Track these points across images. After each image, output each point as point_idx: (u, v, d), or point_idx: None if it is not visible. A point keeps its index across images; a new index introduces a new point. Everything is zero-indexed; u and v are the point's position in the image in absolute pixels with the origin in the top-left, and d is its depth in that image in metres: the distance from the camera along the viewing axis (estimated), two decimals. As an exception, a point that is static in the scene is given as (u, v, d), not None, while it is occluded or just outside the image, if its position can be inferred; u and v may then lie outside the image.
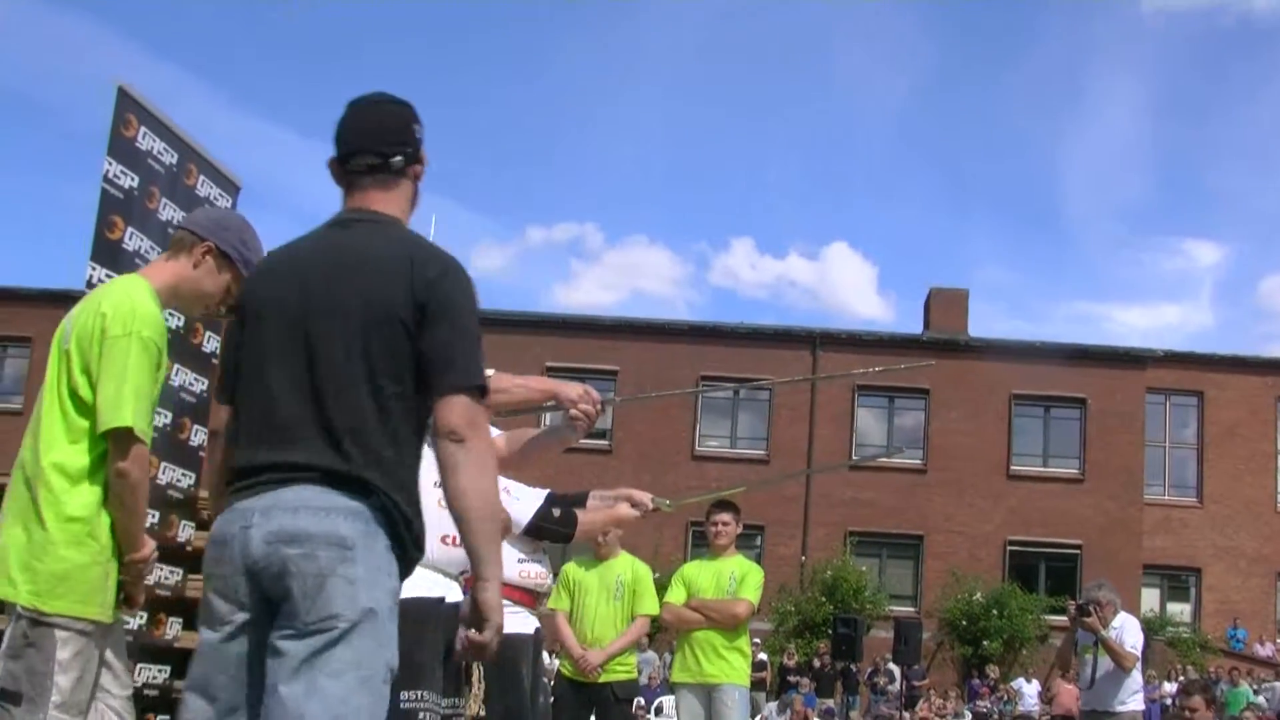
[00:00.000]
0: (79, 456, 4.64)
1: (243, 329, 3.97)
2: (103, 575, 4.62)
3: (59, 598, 4.55)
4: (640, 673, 30.90)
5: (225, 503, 3.81)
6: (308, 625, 3.55)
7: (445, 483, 3.78)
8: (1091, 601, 11.73)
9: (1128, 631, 11.63)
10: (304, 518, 3.62)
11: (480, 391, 3.83)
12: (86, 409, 4.63)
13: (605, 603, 10.02)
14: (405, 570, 3.86)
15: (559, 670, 9.49)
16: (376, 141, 4.06)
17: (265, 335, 3.88)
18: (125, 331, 4.62)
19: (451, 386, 3.77)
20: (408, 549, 3.83)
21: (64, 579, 4.55)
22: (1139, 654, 11.74)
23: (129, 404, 4.51)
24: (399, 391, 3.78)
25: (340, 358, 3.76)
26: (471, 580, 3.87)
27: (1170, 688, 31.03)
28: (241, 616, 3.66)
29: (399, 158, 4.07)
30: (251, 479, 3.74)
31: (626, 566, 10.28)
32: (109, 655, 4.77)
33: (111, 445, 4.59)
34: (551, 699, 9.80)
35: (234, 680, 3.65)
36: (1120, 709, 11.56)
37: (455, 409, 3.76)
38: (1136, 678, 11.74)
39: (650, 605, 10.25)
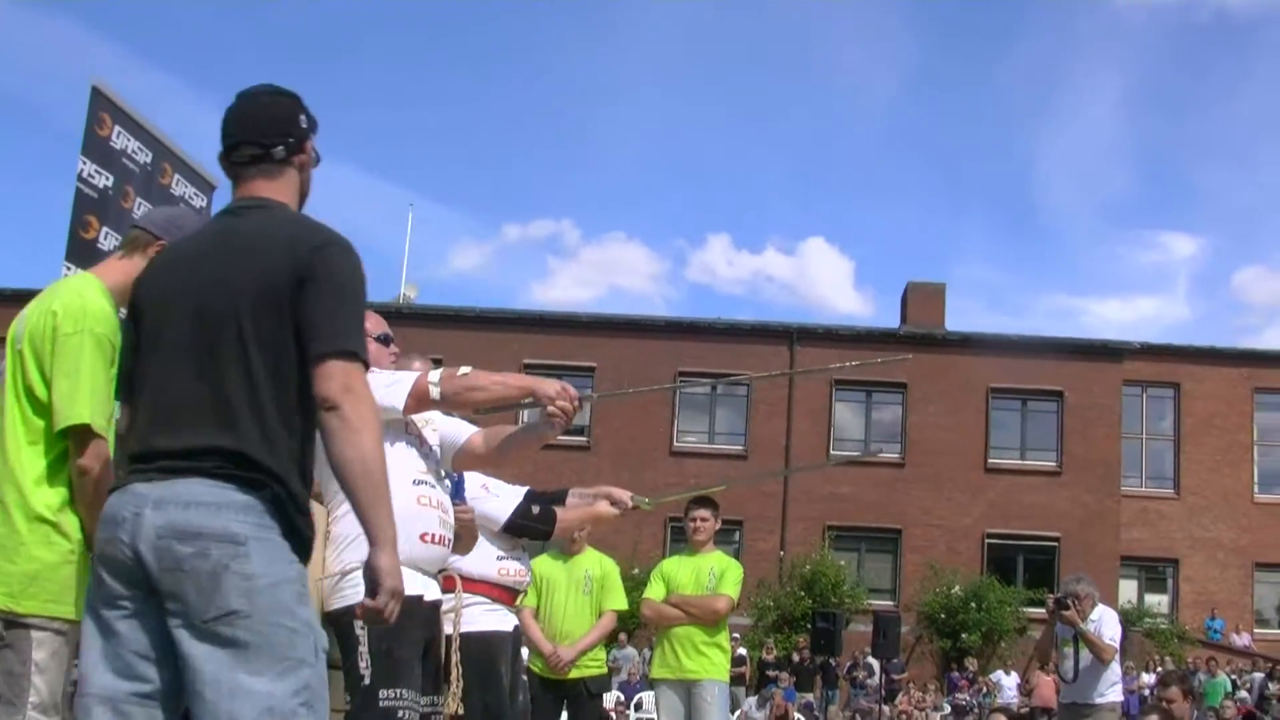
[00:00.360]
0: (39, 456, 4.62)
1: (138, 323, 3.99)
2: (74, 573, 4.60)
3: (32, 598, 4.54)
4: (620, 669, 31.04)
5: (119, 482, 3.81)
6: (206, 623, 3.56)
7: (328, 452, 3.77)
8: (1070, 595, 11.79)
9: (1106, 624, 11.70)
10: (196, 514, 3.61)
11: (353, 355, 3.79)
12: (43, 408, 4.62)
13: (574, 598, 10.01)
14: (302, 553, 3.84)
15: (529, 667, 9.48)
16: (258, 133, 4.08)
17: (158, 325, 3.90)
18: (77, 329, 4.61)
19: (321, 353, 3.75)
20: (301, 531, 3.82)
21: (35, 579, 4.54)
22: (1117, 646, 11.80)
23: (85, 401, 4.50)
24: (289, 369, 3.78)
25: (228, 340, 3.76)
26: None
27: (1149, 679, 31.13)
28: (136, 593, 3.66)
29: (280, 148, 4.08)
30: (146, 464, 3.74)
31: (594, 562, 10.29)
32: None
33: (71, 443, 4.58)
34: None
35: (146, 660, 3.66)
36: (1099, 700, 11.62)
37: (328, 375, 3.74)
38: (1115, 669, 11.81)
39: (618, 600, 10.26)
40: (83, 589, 4.63)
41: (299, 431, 3.84)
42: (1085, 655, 11.70)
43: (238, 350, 3.74)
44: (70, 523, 4.62)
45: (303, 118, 4.18)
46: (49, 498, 4.61)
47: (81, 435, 4.54)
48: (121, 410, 4.13)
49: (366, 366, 3.87)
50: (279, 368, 3.77)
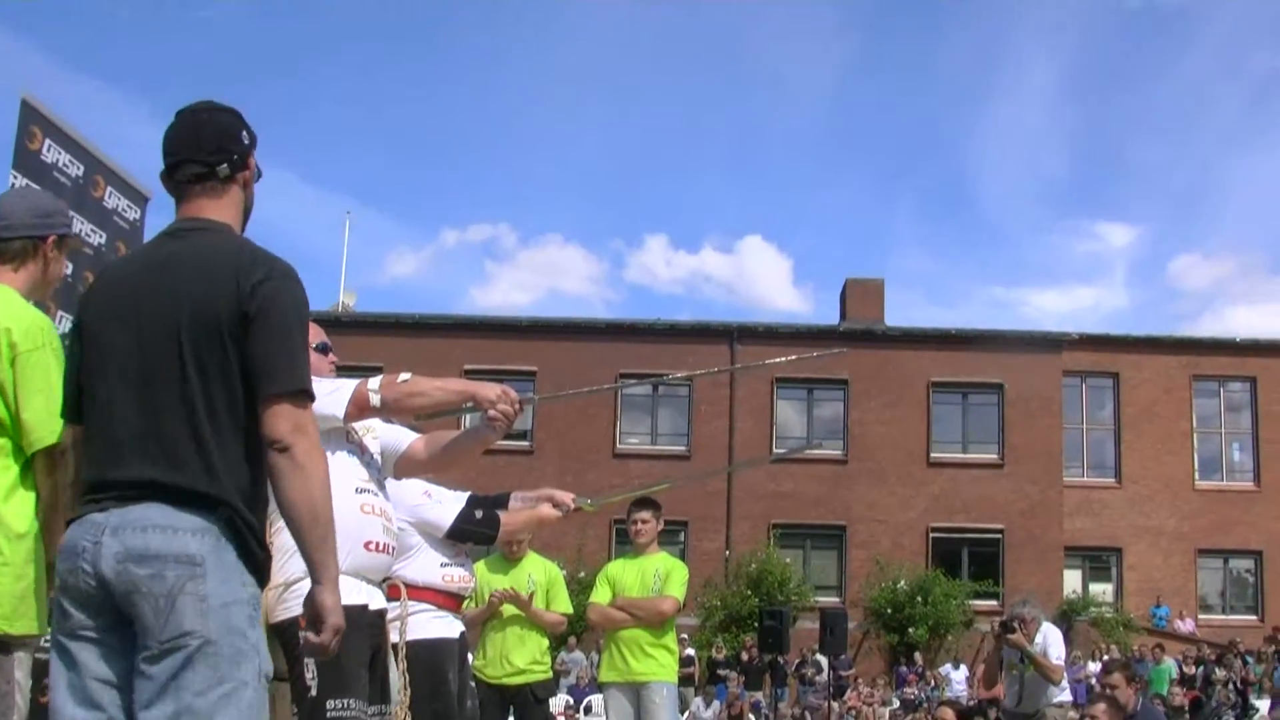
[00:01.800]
0: (6, 474, 4.57)
1: (82, 344, 3.96)
2: (45, 590, 4.58)
3: (22, 617, 4.52)
4: (569, 673, 31.04)
5: (76, 513, 3.80)
6: (162, 645, 3.58)
7: (275, 491, 3.81)
8: (1016, 618, 11.96)
9: (1051, 644, 11.92)
10: (152, 537, 3.64)
11: (302, 395, 3.84)
12: (3, 428, 4.56)
13: (531, 598, 10.02)
14: (258, 575, 3.88)
15: (475, 673, 9.47)
16: (200, 151, 4.06)
17: (103, 350, 3.89)
18: (37, 345, 4.57)
19: (273, 394, 3.78)
20: (255, 554, 3.85)
21: (24, 598, 4.52)
22: (1064, 664, 11.96)
23: (57, 419, 4.44)
24: (231, 399, 3.79)
25: (172, 369, 3.77)
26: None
27: (1094, 667, 31.29)
28: (100, 622, 3.67)
29: (224, 166, 4.07)
30: (101, 493, 3.74)
31: (538, 567, 10.30)
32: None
33: (43, 459, 4.54)
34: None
35: (109, 688, 3.66)
36: (1046, 706, 11.75)
37: (277, 416, 3.77)
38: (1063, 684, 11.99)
39: (564, 604, 10.29)
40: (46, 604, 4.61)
41: (244, 463, 3.84)
42: (1030, 679, 11.85)
43: (180, 383, 3.75)
44: (36, 536, 4.59)
45: (244, 134, 4.16)
46: (23, 514, 4.57)
47: (60, 453, 4.49)
48: (67, 429, 4.08)
49: (312, 399, 3.90)
50: (222, 401, 3.78)
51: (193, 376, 3.74)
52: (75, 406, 3.99)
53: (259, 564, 3.88)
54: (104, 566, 3.62)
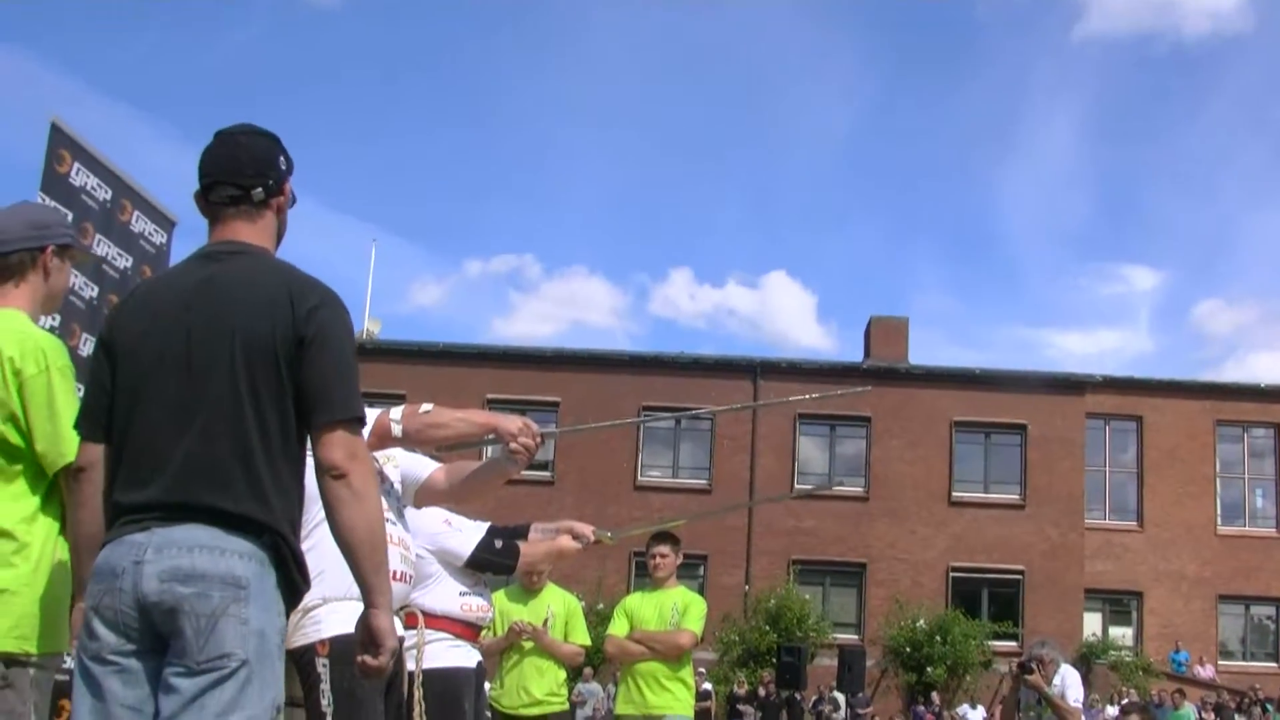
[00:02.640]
0: (21, 498, 4.58)
1: (112, 365, 3.93)
2: (66, 608, 4.59)
3: (41, 637, 4.51)
4: (585, 704, 30.97)
5: (112, 534, 3.77)
6: (199, 664, 3.56)
7: (330, 517, 3.82)
8: (1034, 659, 11.91)
9: (1069, 686, 11.84)
10: (199, 557, 3.62)
11: (358, 423, 3.86)
12: (17, 453, 4.56)
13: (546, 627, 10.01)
14: (292, 604, 3.90)
15: (491, 703, 9.45)
16: (237, 174, 4.05)
17: (142, 371, 3.86)
18: (41, 368, 4.55)
19: (329, 421, 3.79)
20: (296, 584, 3.87)
21: (43, 618, 4.51)
22: (1082, 707, 11.89)
23: (70, 439, 4.43)
24: (281, 425, 3.79)
25: (223, 393, 3.75)
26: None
27: (1113, 711, 31.16)
28: (130, 648, 3.64)
29: (259, 190, 4.06)
30: (141, 514, 3.72)
31: (557, 598, 10.27)
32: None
33: (63, 480, 4.53)
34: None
35: (136, 714, 3.63)
36: None
37: (335, 444, 3.78)
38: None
39: (582, 636, 10.26)
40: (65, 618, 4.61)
41: (291, 490, 3.85)
42: (1049, 715, 11.79)
43: (232, 407, 3.74)
44: (60, 557, 4.59)
45: (281, 159, 4.16)
46: (45, 536, 4.58)
47: (77, 471, 4.48)
48: (86, 447, 4.07)
49: (365, 425, 3.93)
50: (275, 427, 3.78)
51: (245, 401, 3.74)
52: (100, 426, 3.95)
53: (296, 593, 3.90)
54: (145, 586, 3.59)
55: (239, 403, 3.74)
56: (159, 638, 3.63)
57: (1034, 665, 11.76)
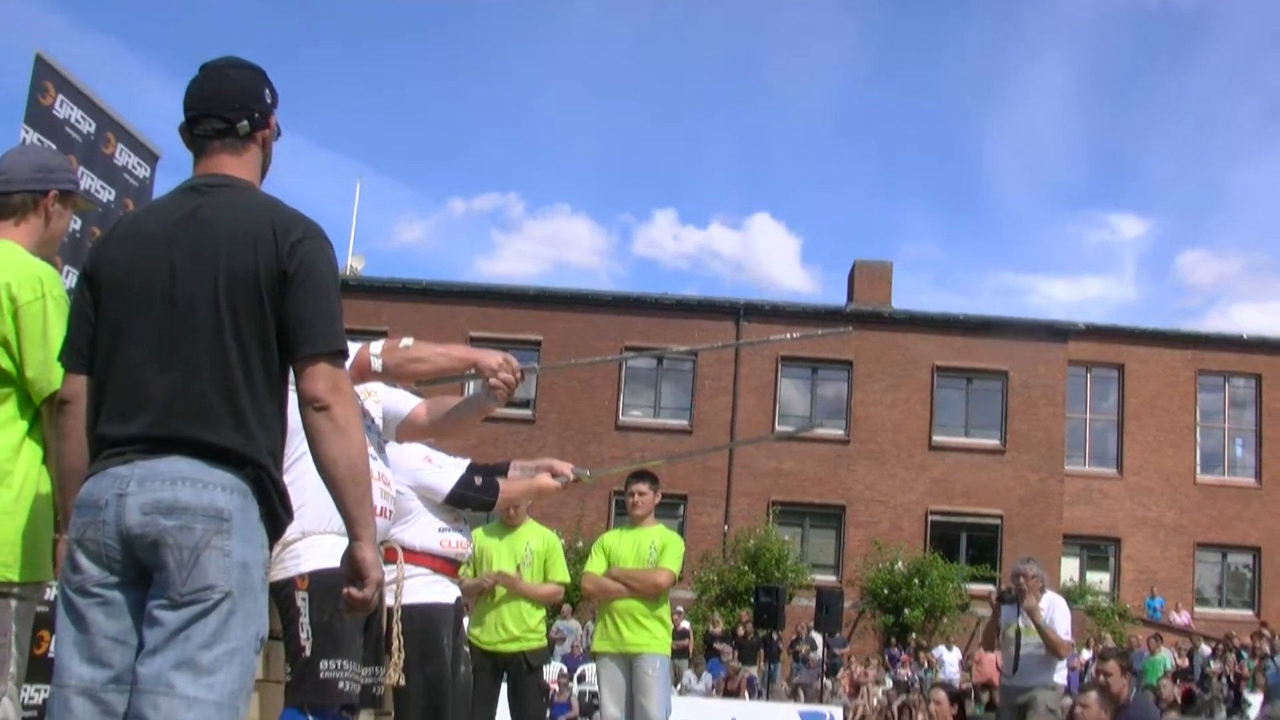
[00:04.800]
0: (7, 425, 4.60)
1: (96, 297, 3.94)
2: (49, 538, 4.62)
3: (24, 566, 4.53)
4: (563, 641, 31.09)
5: (95, 467, 3.79)
6: (182, 596, 3.58)
7: (313, 450, 3.84)
8: (1018, 574, 11.84)
9: (1059, 614, 11.74)
10: (182, 490, 3.64)
11: (341, 356, 3.87)
12: (6, 378, 4.58)
13: (514, 572, 10.04)
14: (275, 536, 3.92)
15: (470, 639, 9.49)
16: (222, 106, 4.06)
17: (126, 304, 3.86)
18: (37, 295, 4.58)
19: (312, 354, 3.81)
20: (279, 516, 3.89)
21: (26, 547, 4.54)
22: (1072, 640, 11.84)
23: (59, 367, 4.45)
24: (264, 358, 3.81)
25: (207, 326, 3.77)
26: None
27: (1088, 655, 31.32)
28: (113, 580, 3.67)
29: (245, 123, 4.07)
30: (123, 447, 3.73)
31: (536, 535, 10.32)
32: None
33: (47, 408, 4.55)
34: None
35: (120, 645, 3.66)
36: (1035, 682, 11.68)
37: (317, 376, 3.80)
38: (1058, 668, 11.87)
39: (561, 573, 10.31)
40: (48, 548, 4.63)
41: (273, 423, 3.87)
42: (1027, 642, 11.76)
43: (215, 340, 3.76)
44: (44, 486, 4.62)
45: (267, 92, 4.16)
46: (29, 465, 4.61)
47: (60, 402, 4.49)
48: (70, 378, 4.08)
49: (347, 359, 3.96)
50: (257, 360, 3.80)
51: (228, 334, 3.75)
52: (84, 357, 3.96)
53: (279, 526, 3.92)
54: (129, 519, 3.62)
55: (222, 336, 3.75)
56: (142, 570, 3.66)
57: (1019, 582, 11.74)
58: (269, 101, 4.17)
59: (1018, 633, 11.81)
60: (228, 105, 4.05)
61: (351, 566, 3.89)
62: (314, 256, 3.86)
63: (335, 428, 3.78)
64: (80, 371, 4.00)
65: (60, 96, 7.97)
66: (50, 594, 4.85)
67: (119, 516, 3.63)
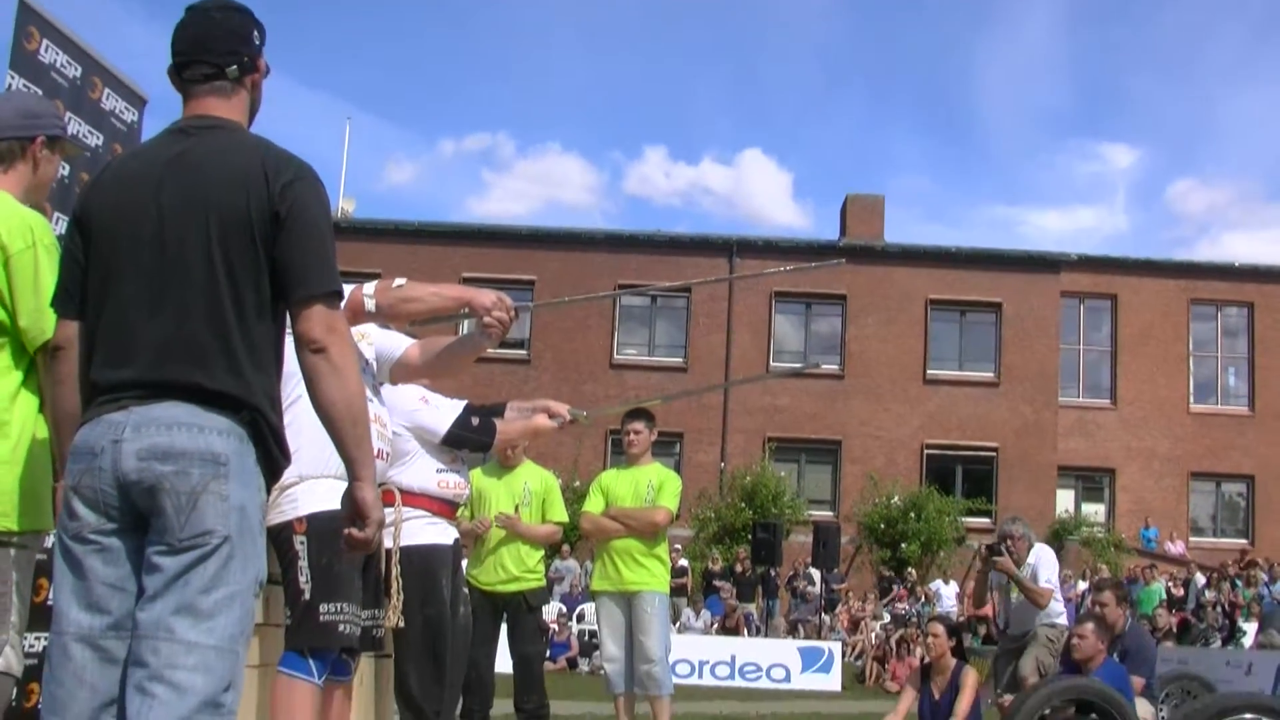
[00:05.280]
0: (4, 377, 4.59)
1: (86, 242, 3.93)
2: (48, 486, 4.61)
3: (23, 514, 4.53)
4: (562, 581, 31.18)
5: (89, 414, 3.79)
6: (181, 541, 3.59)
7: (311, 391, 3.85)
8: (1005, 537, 11.89)
9: (1042, 565, 11.82)
10: (178, 435, 3.64)
11: (335, 297, 3.86)
12: (1, 329, 4.57)
13: (512, 511, 10.06)
14: (272, 480, 3.94)
15: (469, 580, 9.51)
16: (210, 51, 4.04)
17: (116, 248, 3.86)
18: (27, 244, 4.57)
19: (306, 296, 3.80)
20: (275, 459, 3.91)
21: (25, 495, 4.54)
22: (1054, 587, 11.90)
23: (52, 315, 4.44)
24: (257, 301, 3.81)
25: (199, 269, 3.76)
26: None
27: (1085, 586, 31.42)
28: (111, 526, 3.68)
29: (234, 67, 4.05)
30: (117, 393, 3.73)
31: (534, 475, 10.34)
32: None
33: (42, 357, 4.53)
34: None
35: (119, 592, 3.67)
36: (1040, 625, 11.73)
37: (313, 318, 3.79)
38: (1053, 604, 11.91)
39: (559, 513, 10.33)
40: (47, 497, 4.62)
41: (268, 366, 3.88)
42: (1016, 596, 11.83)
43: (207, 283, 3.75)
44: (40, 435, 4.61)
45: (255, 34, 4.14)
46: (26, 414, 4.61)
47: (54, 349, 4.47)
48: (62, 324, 4.08)
49: (342, 300, 3.94)
50: (251, 302, 3.79)
51: (221, 277, 3.75)
52: (75, 303, 3.97)
53: (276, 469, 3.93)
54: (125, 465, 3.62)
55: (214, 279, 3.74)
56: (139, 516, 3.66)
57: (1004, 544, 11.80)
58: (257, 43, 4.14)
59: (1007, 587, 11.89)
60: (216, 50, 4.03)
61: (352, 507, 3.91)
62: (306, 197, 3.84)
63: (332, 369, 3.78)
64: (71, 317, 4.00)
65: (45, 41, 7.91)
66: (49, 542, 4.84)
67: (115, 463, 3.63)
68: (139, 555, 3.65)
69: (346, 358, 3.84)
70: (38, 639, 6.25)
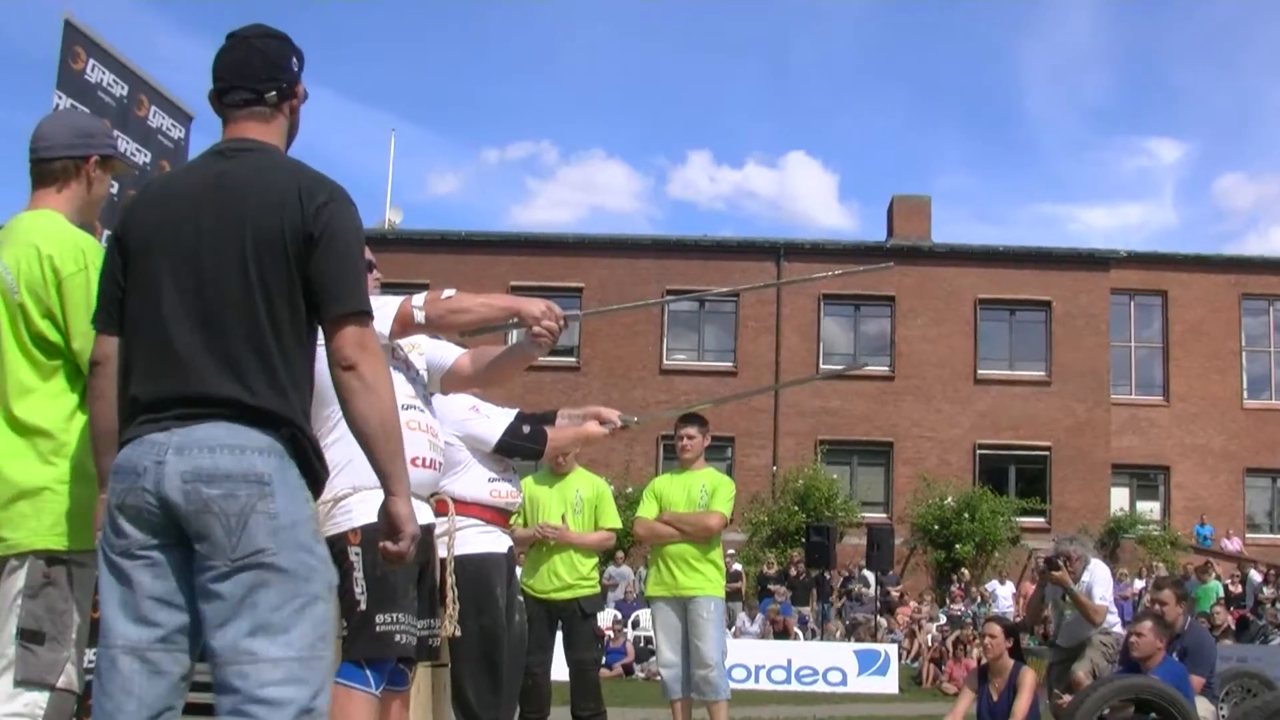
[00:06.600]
0: (59, 396, 4.63)
1: (125, 259, 4.00)
2: (95, 504, 4.62)
3: (78, 534, 4.59)
4: (617, 587, 31.18)
5: (131, 432, 3.84)
6: (234, 563, 3.64)
7: (345, 409, 3.93)
8: (1061, 555, 11.86)
9: (1097, 582, 11.80)
10: (221, 457, 3.70)
11: (366, 316, 3.93)
12: (55, 350, 4.63)
13: (565, 519, 10.04)
14: (315, 493, 3.99)
15: (523, 588, 9.51)
16: (250, 78, 4.12)
17: (155, 266, 3.92)
18: (80, 266, 4.62)
19: (340, 314, 3.87)
20: (317, 473, 3.97)
21: (82, 515, 4.58)
22: (1110, 603, 11.85)
23: None
24: (292, 318, 3.87)
25: (235, 286, 3.82)
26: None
27: (1140, 584, 31.26)
28: (155, 542, 3.73)
29: (273, 93, 4.13)
30: (158, 413, 3.79)
31: (585, 482, 10.31)
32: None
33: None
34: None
35: (166, 606, 3.73)
36: (1094, 633, 11.67)
37: (345, 337, 3.87)
38: (1108, 615, 11.86)
39: (612, 519, 10.30)
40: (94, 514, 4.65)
41: (303, 382, 3.95)
42: (1071, 612, 11.79)
43: (244, 302, 3.81)
44: (89, 455, 4.63)
45: (294, 60, 4.22)
46: (77, 435, 4.66)
47: (94, 364, 4.50)
48: (99, 342, 4.10)
49: (372, 319, 4.01)
50: (286, 320, 3.86)
51: (257, 296, 3.81)
52: (114, 319, 4.03)
53: (318, 481, 3.99)
54: (167, 487, 3.67)
55: (251, 297, 3.81)
56: (182, 532, 3.71)
57: (1061, 561, 11.75)
58: (295, 69, 4.22)
59: (1064, 604, 11.84)
60: (255, 76, 4.12)
61: (387, 521, 3.99)
62: (339, 219, 3.92)
63: (364, 386, 3.86)
64: (111, 333, 4.07)
65: (91, 60, 7.96)
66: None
67: (158, 483, 3.69)
68: (185, 570, 3.72)
69: (378, 374, 3.91)
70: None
